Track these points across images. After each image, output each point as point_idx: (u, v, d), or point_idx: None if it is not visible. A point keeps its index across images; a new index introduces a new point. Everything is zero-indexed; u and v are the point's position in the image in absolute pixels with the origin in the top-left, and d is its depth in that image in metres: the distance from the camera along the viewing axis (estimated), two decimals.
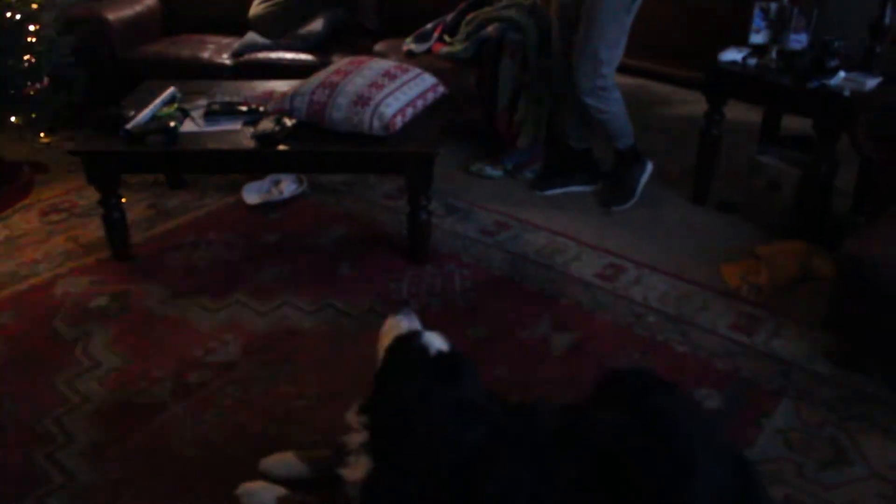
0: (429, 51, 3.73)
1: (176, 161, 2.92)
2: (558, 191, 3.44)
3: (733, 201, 3.35)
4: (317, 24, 3.90)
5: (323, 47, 3.88)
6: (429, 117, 2.85)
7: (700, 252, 3.02)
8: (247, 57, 3.88)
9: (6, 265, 2.96)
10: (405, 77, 2.84)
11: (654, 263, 2.94)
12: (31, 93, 3.54)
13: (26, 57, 3.48)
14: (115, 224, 2.90)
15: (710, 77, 3.23)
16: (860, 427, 2.15)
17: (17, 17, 3.44)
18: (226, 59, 3.90)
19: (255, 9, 4.03)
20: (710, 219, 3.30)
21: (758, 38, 3.18)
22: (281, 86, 3.18)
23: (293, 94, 2.77)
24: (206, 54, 3.94)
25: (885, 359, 2.35)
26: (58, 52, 3.73)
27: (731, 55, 3.19)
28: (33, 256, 3.01)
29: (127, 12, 4.11)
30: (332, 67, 2.92)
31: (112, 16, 4.00)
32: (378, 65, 2.89)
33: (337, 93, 2.70)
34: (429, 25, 3.83)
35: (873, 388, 2.29)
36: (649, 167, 3.39)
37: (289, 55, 3.86)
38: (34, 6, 3.53)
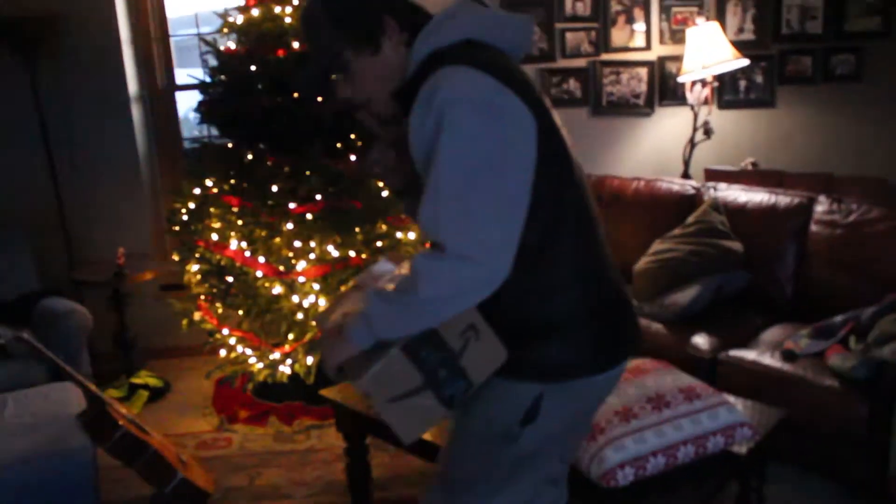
0: (821, 353, 2.68)
1: None
2: None
3: None
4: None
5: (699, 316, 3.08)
6: (705, 478, 1.95)
7: None
8: None
9: None
10: (691, 406, 2.01)
11: None
12: None
13: None
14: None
15: None
16: None
17: None
18: None
19: None
20: None
21: None
22: None
23: None
24: None
25: None
26: None
27: None
28: None
29: None
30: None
31: None
32: (670, 378, 2.11)
33: None
34: (838, 318, 2.77)
35: None
36: None
37: None
38: None
